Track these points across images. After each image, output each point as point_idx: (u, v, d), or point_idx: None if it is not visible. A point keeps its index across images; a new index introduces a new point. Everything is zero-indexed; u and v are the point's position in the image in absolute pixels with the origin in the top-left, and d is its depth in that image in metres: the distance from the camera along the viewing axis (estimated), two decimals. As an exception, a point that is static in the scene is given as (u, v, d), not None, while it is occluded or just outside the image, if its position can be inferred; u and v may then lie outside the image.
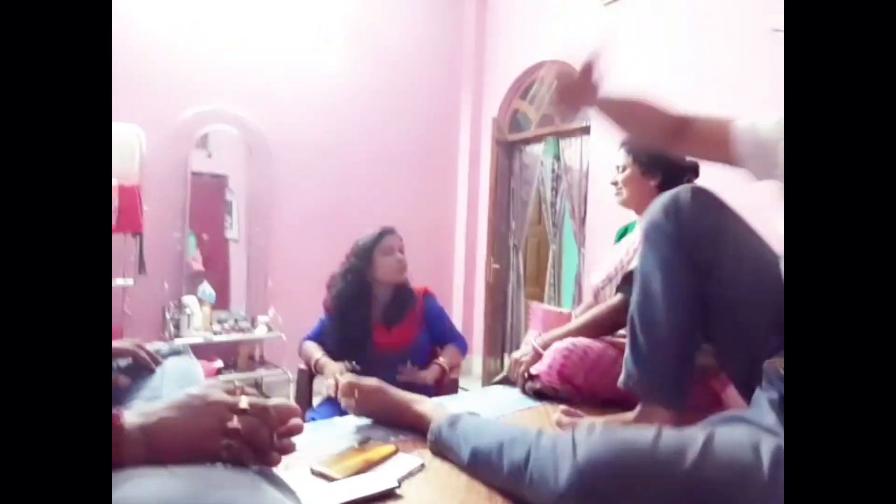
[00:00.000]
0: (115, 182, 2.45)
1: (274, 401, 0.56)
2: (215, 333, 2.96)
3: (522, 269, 3.88)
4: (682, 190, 0.95)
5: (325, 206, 3.46)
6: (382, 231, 1.82)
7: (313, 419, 1.57)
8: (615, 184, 1.55)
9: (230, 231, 3.32)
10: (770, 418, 0.76)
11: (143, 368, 0.84)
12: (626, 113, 1.09)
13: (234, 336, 3.03)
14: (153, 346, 0.89)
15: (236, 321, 3.13)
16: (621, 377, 1.03)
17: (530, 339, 1.48)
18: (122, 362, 0.85)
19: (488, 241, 3.91)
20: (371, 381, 1.16)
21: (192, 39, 3.03)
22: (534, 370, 1.36)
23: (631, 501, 0.67)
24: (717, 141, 0.98)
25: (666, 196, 0.96)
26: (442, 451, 0.97)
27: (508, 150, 3.93)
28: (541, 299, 3.74)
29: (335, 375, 1.64)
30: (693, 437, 0.69)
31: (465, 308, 3.98)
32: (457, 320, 3.61)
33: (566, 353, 1.31)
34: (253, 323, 3.15)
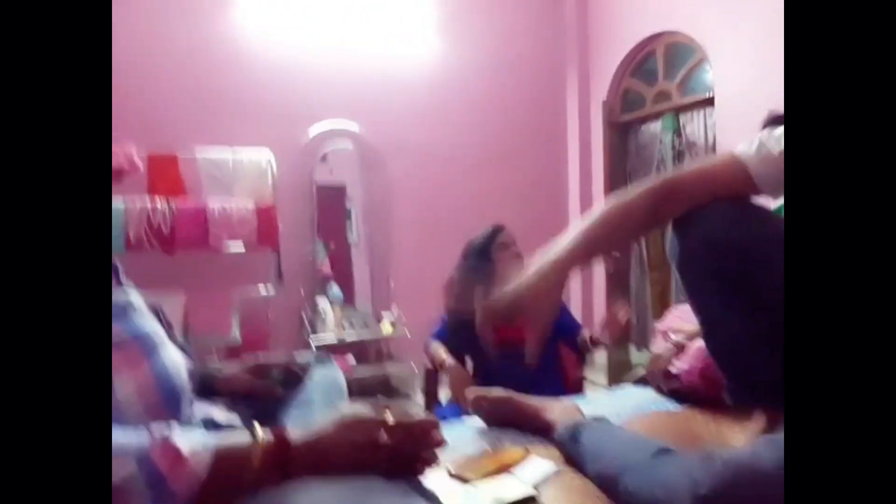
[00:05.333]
0: (252, 205, 2.78)
1: (416, 415, 0.60)
2: (346, 333, 3.20)
3: (646, 256, 3.68)
4: (709, 215, 0.80)
5: (439, 205, 3.56)
6: (495, 228, 1.81)
7: (443, 417, 1.62)
8: None
9: (351, 236, 3.55)
10: None
11: (294, 379, 0.93)
12: (602, 239, 0.88)
13: (364, 334, 3.24)
14: (301, 357, 0.98)
15: (364, 320, 3.34)
16: (727, 399, 0.95)
17: (670, 334, 1.39)
18: (276, 374, 0.95)
19: (605, 228, 3.75)
20: (498, 392, 1.16)
21: (304, 63, 3.26)
22: (673, 370, 1.29)
23: None
24: (732, 178, 0.80)
25: (696, 226, 0.82)
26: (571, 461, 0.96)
27: (622, 131, 3.74)
28: (667, 286, 3.52)
29: (460, 392, 1.69)
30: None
31: (584, 300, 3.87)
32: (576, 312, 3.52)
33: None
34: (378, 321, 3.34)
